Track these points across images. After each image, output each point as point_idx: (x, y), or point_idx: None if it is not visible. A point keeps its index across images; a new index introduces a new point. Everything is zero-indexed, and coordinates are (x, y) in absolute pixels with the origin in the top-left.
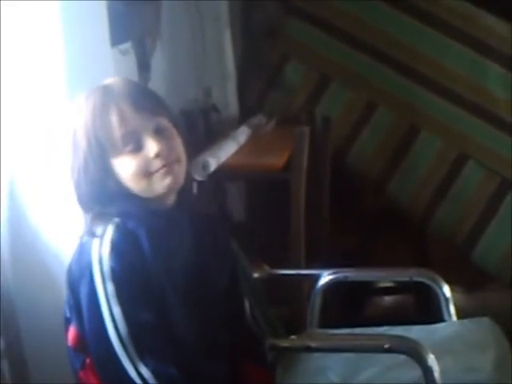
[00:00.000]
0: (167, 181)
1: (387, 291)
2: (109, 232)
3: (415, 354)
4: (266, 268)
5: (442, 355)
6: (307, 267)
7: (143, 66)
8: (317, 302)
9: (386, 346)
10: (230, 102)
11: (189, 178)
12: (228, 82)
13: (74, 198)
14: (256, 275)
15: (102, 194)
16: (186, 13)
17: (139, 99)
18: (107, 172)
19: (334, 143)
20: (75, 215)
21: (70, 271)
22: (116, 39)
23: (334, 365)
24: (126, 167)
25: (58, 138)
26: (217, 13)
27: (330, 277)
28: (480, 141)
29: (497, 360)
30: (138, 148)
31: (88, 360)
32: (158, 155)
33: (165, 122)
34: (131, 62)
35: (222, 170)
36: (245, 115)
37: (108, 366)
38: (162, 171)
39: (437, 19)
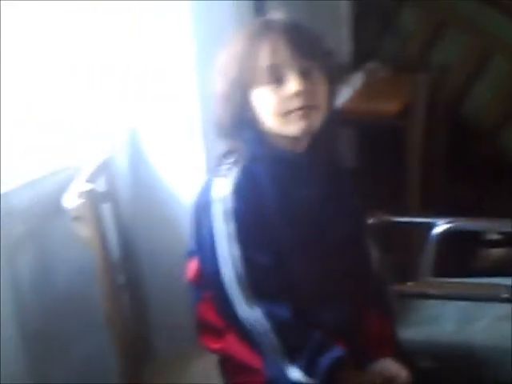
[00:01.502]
0: (301, 124)
1: (497, 243)
2: (233, 172)
3: None
4: (381, 215)
5: None
6: (421, 215)
7: (259, 8)
8: (431, 250)
9: (504, 295)
10: (343, 47)
11: (326, 129)
12: (342, 27)
13: (212, 126)
14: (370, 222)
15: (237, 127)
16: None
17: (296, 38)
18: (247, 102)
19: (448, 91)
20: (195, 157)
21: (195, 206)
22: None
23: (448, 314)
24: (264, 100)
25: (180, 82)
26: None
27: (445, 226)
28: None
29: None
30: (280, 83)
31: (206, 294)
32: (297, 94)
33: (315, 68)
34: (250, 5)
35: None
36: (359, 61)
37: (224, 302)
38: (298, 113)
39: None
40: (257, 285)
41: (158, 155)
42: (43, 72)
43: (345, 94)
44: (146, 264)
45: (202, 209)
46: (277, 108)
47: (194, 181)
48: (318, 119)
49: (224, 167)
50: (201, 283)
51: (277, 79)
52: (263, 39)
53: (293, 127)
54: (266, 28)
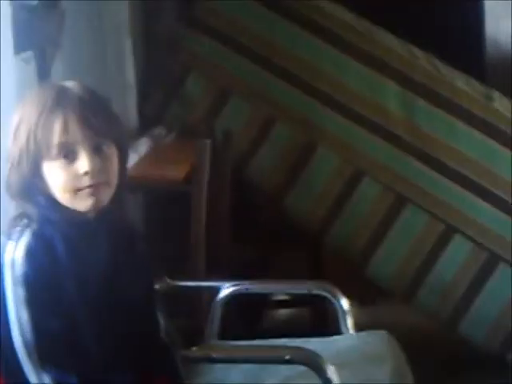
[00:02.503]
0: (89, 201)
1: (283, 304)
2: (25, 236)
3: (315, 365)
4: (167, 279)
5: (340, 367)
6: (207, 279)
7: (43, 74)
8: (217, 314)
9: (287, 357)
10: (129, 113)
11: (116, 201)
12: (128, 93)
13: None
14: (156, 287)
15: (28, 191)
16: (87, 23)
17: (89, 114)
18: (37, 173)
19: (233, 157)
20: None
21: None
22: (19, 47)
23: (234, 377)
24: (54, 175)
25: None
26: (118, 23)
27: (231, 289)
28: (376, 157)
29: (394, 372)
30: (70, 160)
31: None
32: (87, 173)
33: (107, 144)
34: (33, 70)
35: None
36: (145, 127)
37: (12, 370)
38: (87, 190)
39: (336, 36)
40: (45, 351)
41: None
42: None
43: (130, 160)
44: None
45: None
46: (66, 185)
47: None
48: (107, 195)
49: (15, 230)
50: None
51: (67, 156)
52: (55, 114)
53: (81, 204)
54: (59, 101)
